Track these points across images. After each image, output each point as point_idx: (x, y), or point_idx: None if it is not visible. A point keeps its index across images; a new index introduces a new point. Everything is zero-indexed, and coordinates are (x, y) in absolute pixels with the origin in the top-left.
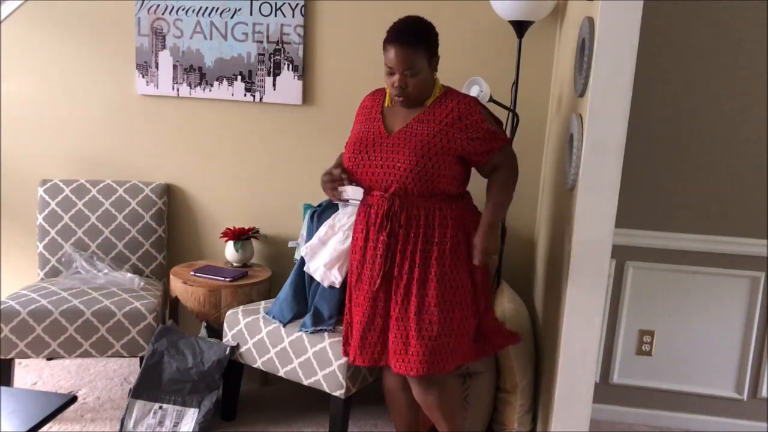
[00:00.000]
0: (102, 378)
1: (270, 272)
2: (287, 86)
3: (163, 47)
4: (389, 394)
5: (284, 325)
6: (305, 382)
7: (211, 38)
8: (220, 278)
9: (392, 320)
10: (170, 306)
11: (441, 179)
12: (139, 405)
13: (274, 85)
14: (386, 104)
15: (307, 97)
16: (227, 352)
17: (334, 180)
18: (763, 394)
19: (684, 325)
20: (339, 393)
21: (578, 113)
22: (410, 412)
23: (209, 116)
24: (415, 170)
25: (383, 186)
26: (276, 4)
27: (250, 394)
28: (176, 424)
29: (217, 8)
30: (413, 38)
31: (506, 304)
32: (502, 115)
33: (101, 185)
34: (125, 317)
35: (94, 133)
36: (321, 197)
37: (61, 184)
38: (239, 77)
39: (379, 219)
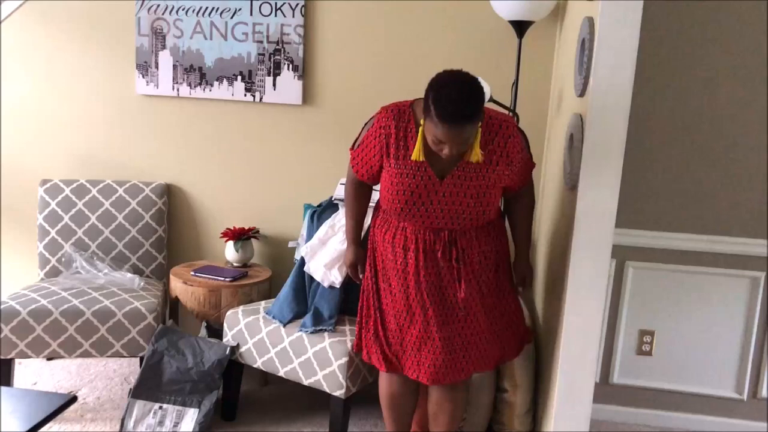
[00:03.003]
0: (102, 378)
1: (270, 272)
2: (287, 86)
3: (163, 47)
4: (394, 400)
5: (284, 325)
6: (305, 382)
7: (211, 38)
8: (220, 278)
9: (437, 334)
10: (170, 306)
11: (493, 210)
12: (139, 405)
13: (274, 85)
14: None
15: (307, 97)
16: (227, 352)
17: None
18: (763, 394)
19: (684, 325)
20: (339, 393)
21: (578, 113)
22: (411, 415)
23: (209, 116)
24: (474, 212)
25: (439, 226)
26: (276, 4)
27: (250, 394)
28: (176, 424)
29: (217, 8)
30: (468, 115)
31: None
32: None
33: (101, 185)
34: (125, 317)
35: (94, 133)
36: (321, 197)
37: (61, 184)
38: (239, 77)
39: (441, 247)
